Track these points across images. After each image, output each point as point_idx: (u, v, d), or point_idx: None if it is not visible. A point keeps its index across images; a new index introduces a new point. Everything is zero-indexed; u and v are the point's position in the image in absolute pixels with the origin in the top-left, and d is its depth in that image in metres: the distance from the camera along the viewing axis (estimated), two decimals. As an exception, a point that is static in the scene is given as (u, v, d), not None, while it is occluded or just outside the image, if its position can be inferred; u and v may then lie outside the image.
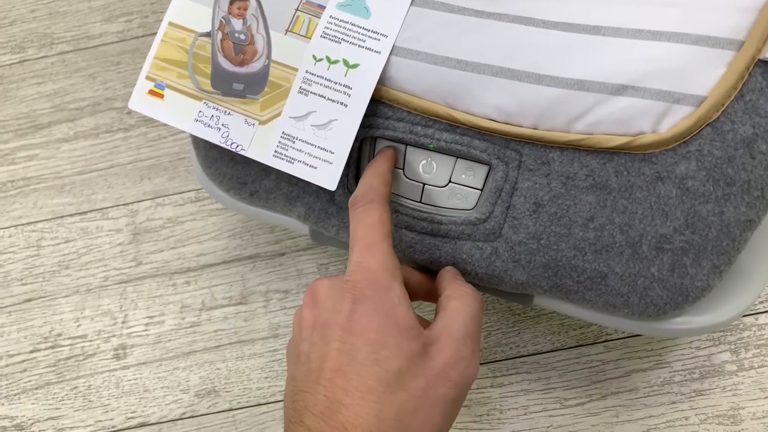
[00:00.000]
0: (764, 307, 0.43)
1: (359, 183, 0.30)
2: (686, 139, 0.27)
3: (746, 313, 0.43)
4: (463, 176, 0.31)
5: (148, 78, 0.32)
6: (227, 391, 0.44)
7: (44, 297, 0.48)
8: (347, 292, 0.27)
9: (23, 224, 0.51)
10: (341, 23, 0.31)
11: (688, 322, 0.32)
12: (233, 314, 0.45)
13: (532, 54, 0.29)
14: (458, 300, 0.28)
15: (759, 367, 0.41)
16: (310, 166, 0.30)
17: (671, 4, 0.28)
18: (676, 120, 0.27)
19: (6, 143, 0.54)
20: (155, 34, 0.57)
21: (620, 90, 0.28)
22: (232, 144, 0.31)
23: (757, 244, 0.32)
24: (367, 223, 0.28)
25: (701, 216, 0.28)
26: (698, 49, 0.27)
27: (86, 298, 0.47)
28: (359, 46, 0.30)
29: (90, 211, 0.50)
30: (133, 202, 0.50)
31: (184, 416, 0.43)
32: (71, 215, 0.50)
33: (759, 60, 0.27)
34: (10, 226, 0.51)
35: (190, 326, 0.45)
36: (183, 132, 0.52)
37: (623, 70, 0.28)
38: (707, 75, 0.27)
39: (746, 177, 0.27)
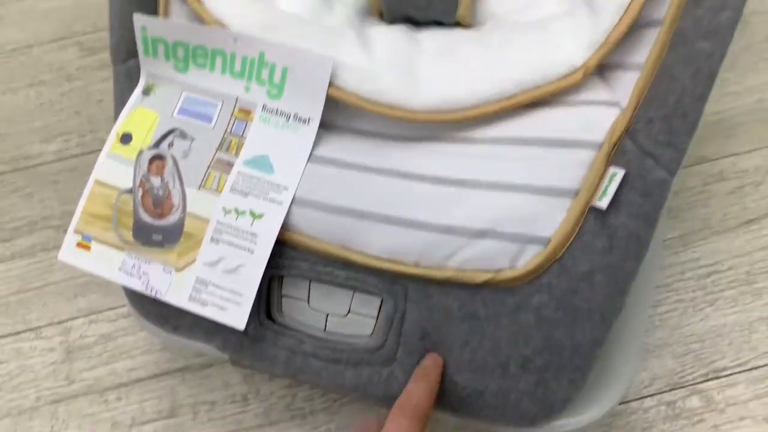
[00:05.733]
0: (648, 392, 0.48)
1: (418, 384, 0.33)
2: (538, 274, 0.33)
3: (632, 399, 0.48)
4: (360, 307, 0.36)
5: (76, 232, 0.36)
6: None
7: (-24, 420, 0.49)
8: None
9: (-43, 347, 0.52)
10: (248, 178, 0.35)
11: (564, 425, 0.36)
12: (162, 428, 0.47)
13: (408, 203, 0.34)
14: None
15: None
16: (221, 308, 0.34)
17: (521, 158, 0.34)
18: (529, 258, 0.33)
19: (-59, 266, 0.56)
20: (92, 152, 0.61)
21: (482, 234, 0.33)
22: (151, 290, 0.35)
23: (623, 347, 0.38)
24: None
25: (555, 339, 0.33)
26: (543, 198, 0.33)
27: (18, 420, 0.48)
28: (263, 198, 0.35)
29: (24, 330, 0.52)
30: (67, 320, 0.52)
31: None
32: (5, 336, 0.52)
33: (591, 206, 0.33)
34: (-56, 349, 0.52)
35: (122, 442, 0.47)
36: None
37: (483, 217, 0.33)
38: (551, 220, 0.33)
39: (588, 305, 0.33)
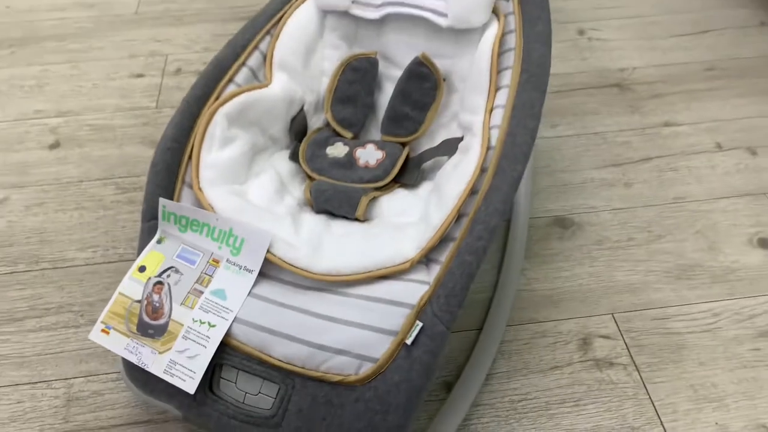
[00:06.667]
0: (470, 480, 0.68)
1: None
2: (369, 380, 0.55)
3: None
4: (266, 390, 0.58)
5: (102, 322, 0.59)
6: None
7: (-3, 445, 0.69)
8: None
9: (-8, 391, 0.73)
10: (210, 302, 0.59)
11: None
12: (128, 465, 0.67)
13: (300, 328, 0.57)
14: None
15: None
16: (182, 379, 0.56)
17: (369, 309, 0.57)
18: (364, 370, 0.55)
19: (-11, 331, 0.79)
20: (111, 262, 0.85)
21: (340, 352, 0.56)
22: (142, 364, 0.57)
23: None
24: None
25: (375, 421, 0.55)
26: (377, 335, 0.56)
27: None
28: (217, 315, 0.58)
29: (39, 381, 0.74)
30: (71, 378, 0.74)
31: None
32: (25, 384, 0.73)
33: (403, 342, 0.56)
34: (-18, 392, 0.73)
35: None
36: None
37: (342, 342, 0.56)
38: (381, 348, 0.56)
39: (396, 401, 0.55)
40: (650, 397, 0.71)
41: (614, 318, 0.78)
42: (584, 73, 1.14)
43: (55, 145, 1.01)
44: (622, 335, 0.76)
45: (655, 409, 0.70)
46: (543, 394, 0.72)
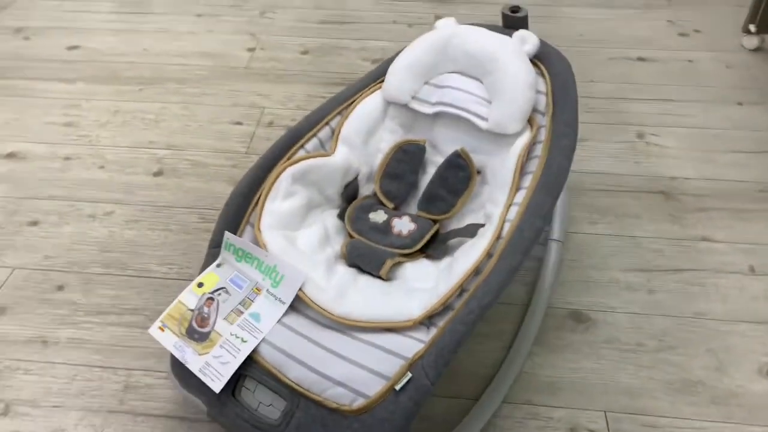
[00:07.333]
0: None
1: None
2: (361, 412, 0.65)
3: None
4: (276, 403, 0.69)
5: (161, 321, 0.73)
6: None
7: None
8: None
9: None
10: (247, 321, 0.72)
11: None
12: (158, 448, 0.80)
13: (313, 357, 0.69)
14: None
15: None
16: (212, 379, 0.69)
17: (372, 353, 0.68)
18: (359, 403, 0.66)
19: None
20: (182, 279, 1.00)
21: (340, 384, 0.67)
22: (184, 360, 0.71)
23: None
24: None
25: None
26: (374, 377, 0.67)
27: (86, 414, 0.83)
28: (250, 333, 0.71)
29: (108, 367, 0.89)
30: (132, 369, 0.89)
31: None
32: (97, 367, 0.89)
33: (393, 387, 0.66)
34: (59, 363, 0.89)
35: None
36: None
37: (344, 375, 0.67)
38: (374, 387, 0.66)
39: (385, 428, 0.64)
40: (623, 494, 0.75)
41: (606, 416, 0.83)
42: (635, 177, 1.20)
43: (158, 173, 1.21)
44: (609, 432, 0.82)
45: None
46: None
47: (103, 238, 1.08)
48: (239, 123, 1.33)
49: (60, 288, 1.00)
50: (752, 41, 1.57)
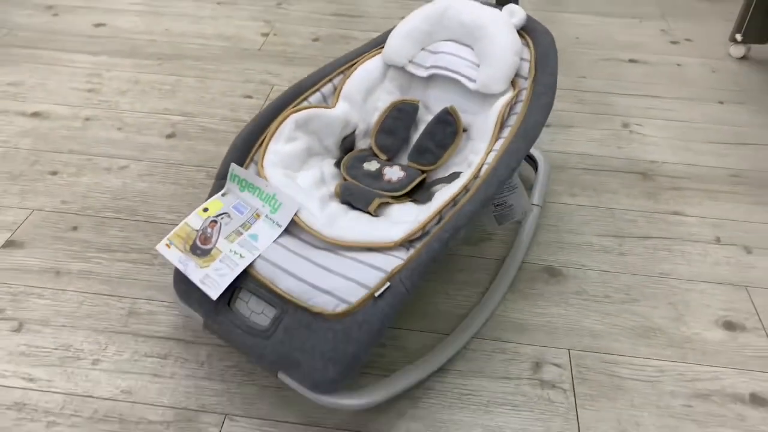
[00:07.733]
0: None
1: None
2: (342, 317, 0.73)
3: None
4: (267, 311, 0.76)
5: (168, 239, 0.81)
6: None
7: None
8: None
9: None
10: (246, 241, 0.80)
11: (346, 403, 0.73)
12: (157, 362, 0.87)
13: (302, 270, 0.76)
14: None
15: None
16: (210, 288, 0.77)
17: (356, 267, 0.75)
18: (340, 308, 0.73)
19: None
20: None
21: (326, 292, 0.74)
22: (187, 272, 0.78)
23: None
24: None
25: (339, 348, 0.71)
26: (357, 286, 0.74)
27: (91, 333, 0.91)
28: (248, 250, 0.79)
29: (114, 296, 0.97)
30: (137, 298, 0.96)
31: None
32: (105, 295, 0.97)
33: (374, 294, 0.73)
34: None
35: None
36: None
37: (330, 285, 0.74)
38: (357, 294, 0.73)
39: (357, 335, 0.71)
40: (578, 420, 0.82)
41: (569, 353, 0.90)
42: (616, 159, 1.28)
43: (171, 136, 1.30)
44: (571, 367, 0.88)
45: (579, 430, 0.81)
46: (488, 394, 0.85)
47: (116, 188, 1.17)
48: (249, 96, 1.42)
49: (74, 228, 1.08)
50: (739, 50, 1.66)
